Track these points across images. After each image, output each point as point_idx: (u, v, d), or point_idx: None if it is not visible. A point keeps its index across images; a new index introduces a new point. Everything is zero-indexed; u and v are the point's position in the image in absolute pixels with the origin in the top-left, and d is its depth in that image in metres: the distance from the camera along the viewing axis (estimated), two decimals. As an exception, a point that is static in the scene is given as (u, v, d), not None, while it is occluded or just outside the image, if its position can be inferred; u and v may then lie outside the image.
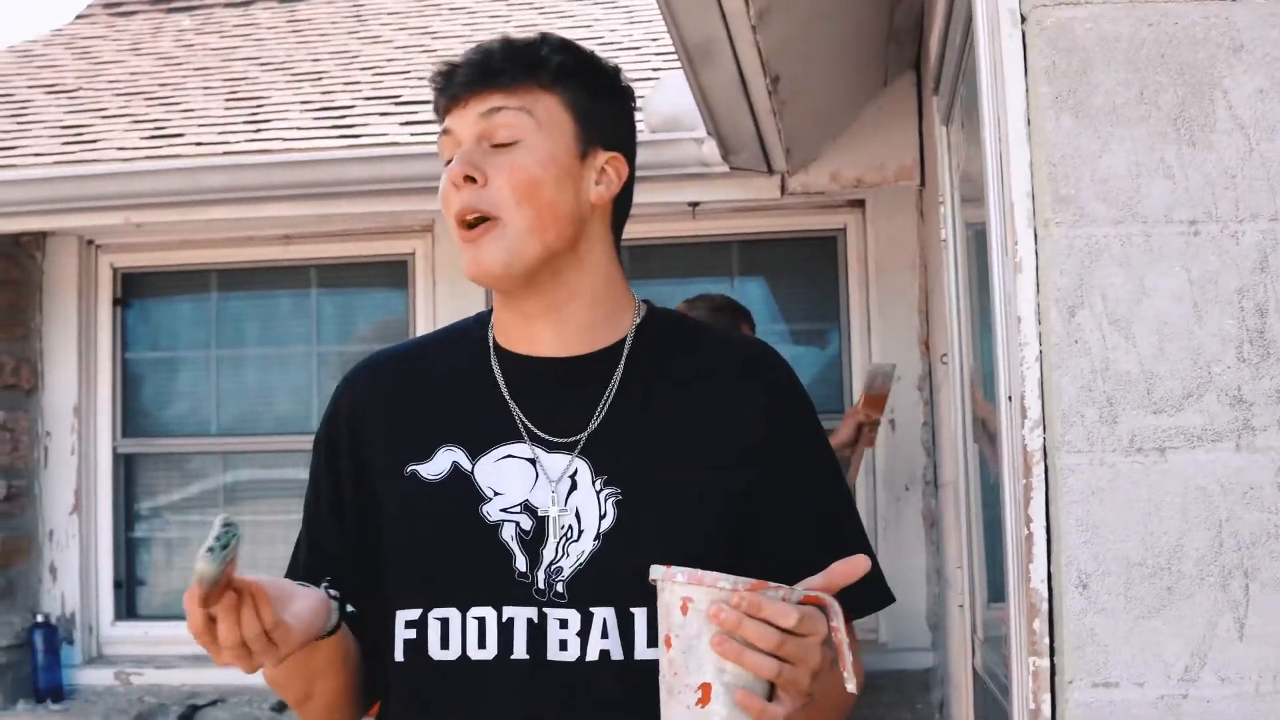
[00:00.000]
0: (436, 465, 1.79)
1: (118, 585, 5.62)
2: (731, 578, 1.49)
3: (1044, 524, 1.70)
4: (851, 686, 1.56)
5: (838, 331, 5.32)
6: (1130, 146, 1.71)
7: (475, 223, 1.76)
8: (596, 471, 1.76)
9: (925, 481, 4.99)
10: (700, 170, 4.55)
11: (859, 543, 1.78)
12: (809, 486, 1.80)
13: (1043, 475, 1.70)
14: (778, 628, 1.49)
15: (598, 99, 1.82)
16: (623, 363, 1.82)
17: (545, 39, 1.82)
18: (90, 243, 5.68)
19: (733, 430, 1.78)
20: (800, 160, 4.57)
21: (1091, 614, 1.67)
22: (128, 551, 5.69)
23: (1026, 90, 1.74)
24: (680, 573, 1.51)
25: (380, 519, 1.82)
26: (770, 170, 4.58)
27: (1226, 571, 1.68)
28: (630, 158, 1.84)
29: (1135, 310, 1.69)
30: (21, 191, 5.05)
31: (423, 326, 5.41)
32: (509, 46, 1.80)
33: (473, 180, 1.75)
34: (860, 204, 5.21)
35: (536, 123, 1.76)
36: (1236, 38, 1.71)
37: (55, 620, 5.42)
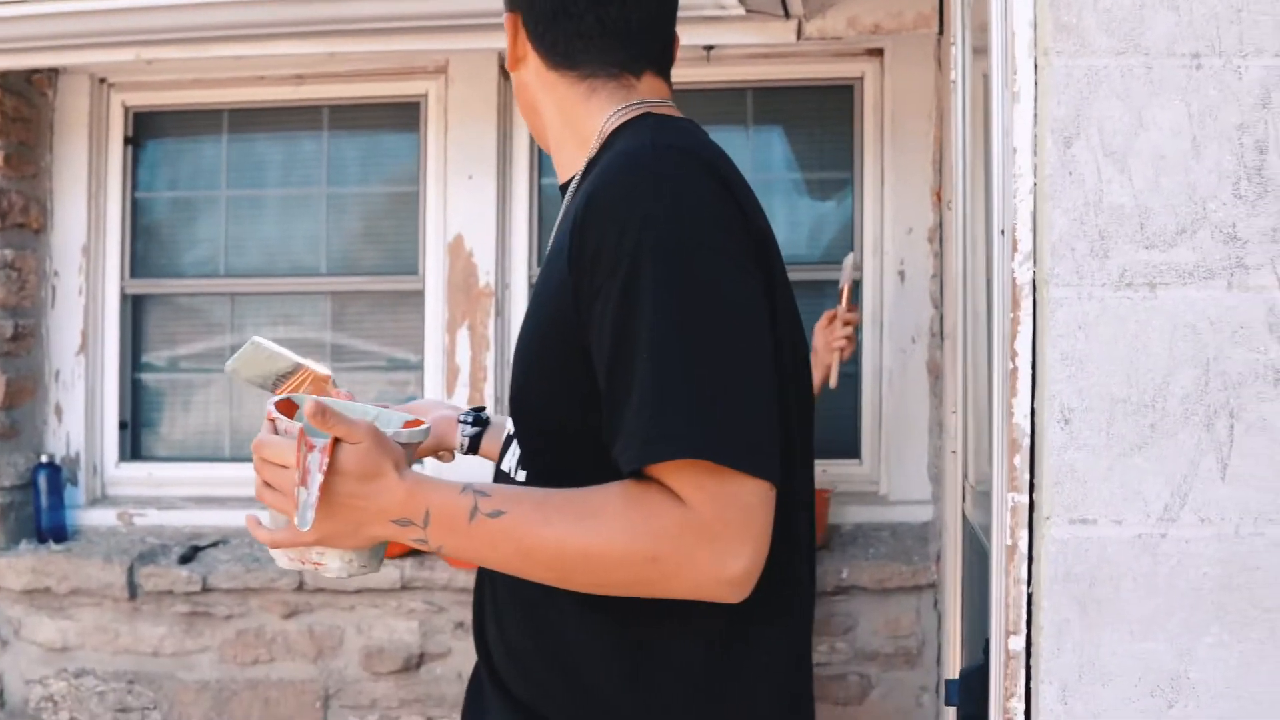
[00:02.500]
0: None
1: (123, 426, 5.63)
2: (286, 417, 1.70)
3: (1030, 359, 1.69)
4: (297, 521, 1.63)
5: (851, 182, 5.27)
6: (1134, -26, 1.67)
7: None
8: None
9: (932, 334, 4.98)
10: (716, 13, 4.48)
11: (640, 379, 1.60)
12: (604, 307, 1.65)
13: (1031, 310, 1.69)
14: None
15: None
16: (569, 192, 1.92)
17: None
18: (102, 81, 5.62)
19: (557, 251, 1.78)
20: (818, 4, 4.51)
21: (1072, 450, 1.66)
22: (133, 393, 5.69)
23: (1030, -85, 1.70)
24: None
25: None
26: (787, 14, 4.51)
27: (1212, 411, 1.66)
28: (533, 9, 1.93)
29: (1132, 143, 1.66)
30: (32, 26, 4.97)
31: (434, 170, 5.37)
32: None
33: None
34: (879, 53, 5.14)
35: None
36: None
37: (59, 461, 5.43)
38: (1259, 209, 1.65)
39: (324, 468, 1.62)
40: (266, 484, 1.70)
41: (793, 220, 5.39)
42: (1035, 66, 1.67)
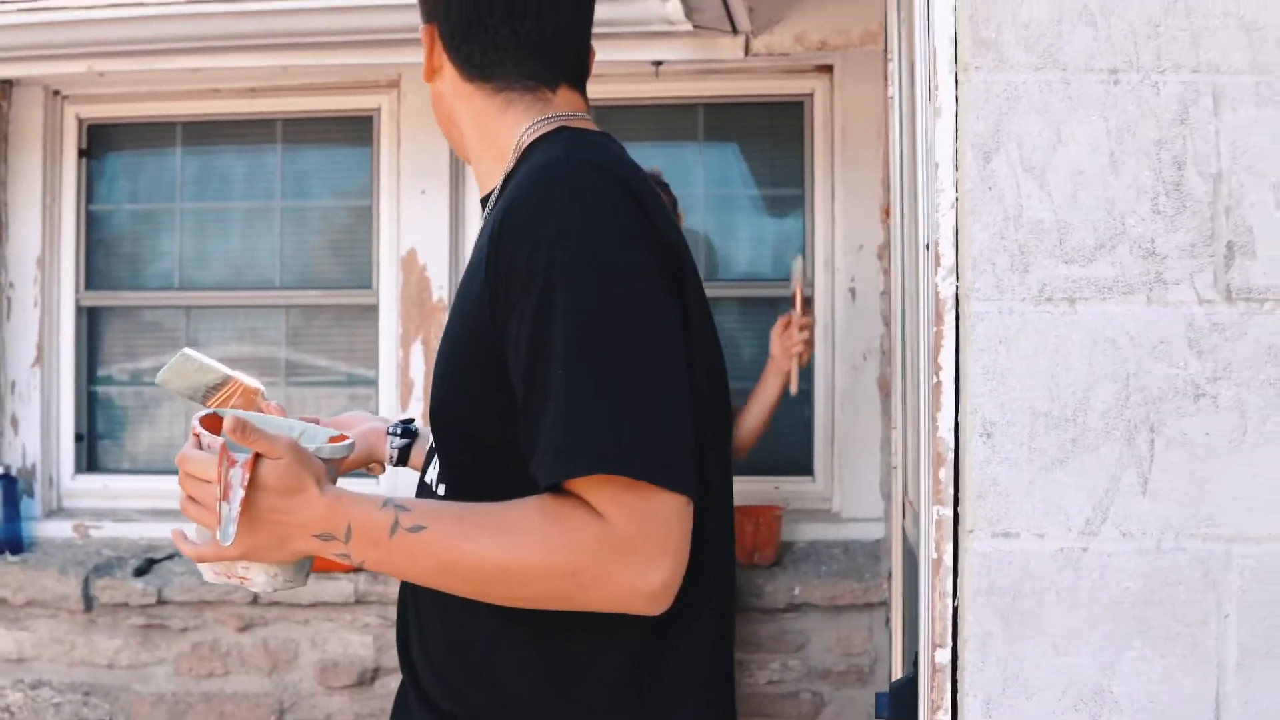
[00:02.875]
0: None
1: (79, 438, 5.61)
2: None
3: (953, 373, 1.69)
4: (219, 536, 1.64)
5: (803, 198, 5.29)
6: (1054, -9, 1.68)
7: None
8: None
9: (883, 351, 4.99)
10: (664, 28, 4.49)
11: (556, 394, 1.60)
12: (519, 322, 1.65)
13: (954, 324, 1.69)
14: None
15: None
16: (489, 205, 1.91)
17: None
18: (56, 93, 5.61)
19: (476, 264, 1.78)
20: (764, 20, 4.53)
21: (994, 463, 1.67)
22: (89, 405, 5.68)
23: (952, -68, 1.71)
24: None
25: None
26: (734, 30, 4.53)
27: (1132, 425, 1.67)
28: (450, 20, 1.93)
29: (1051, 158, 1.67)
30: (-17, 37, 4.99)
31: (387, 184, 5.37)
32: None
33: None
34: (828, 69, 5.15)
35: None
36: (1163, -120, 1.68)
37: (15, 473, 5.42)
38: (1177, 224, 1.67)
39: (245, 483, 1.62)
40: (190, 498, 1.71)
41: (744, 236, 5.40)
42: (956, 82, 1.68)
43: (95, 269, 5.67)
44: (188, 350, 2.02)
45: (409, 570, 1.68)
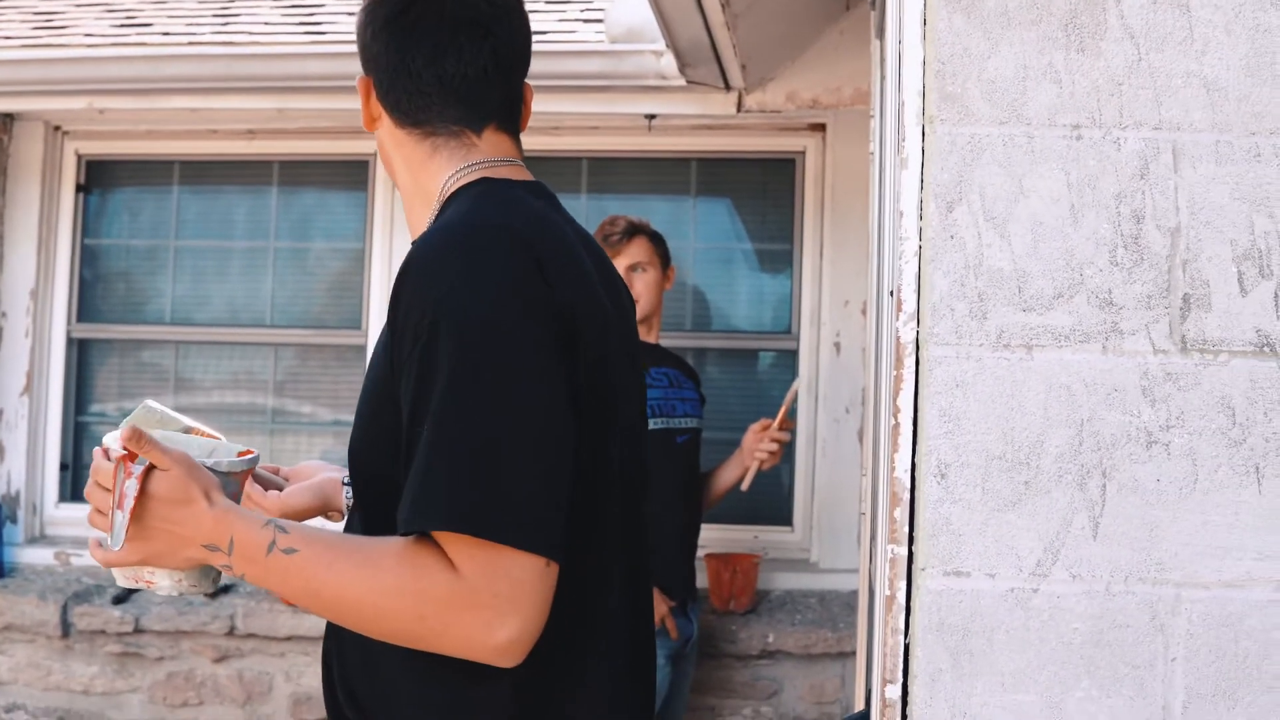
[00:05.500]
0: None
1: (64, 467, 5.65)
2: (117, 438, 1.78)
3: (911, 415, 1.73)
4: (111, 541, 1.75)
5: (792, 254, 5.34)
6: (1019, 49, 1.73)
7: None
8: None
9: (864, 404, 5.03)
10: (658, 83, 4.57)
11: (422, 448, 1.67)
12: (407, 376, 1.71)
13: (914, 368, 1.73)
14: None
15: (361, 37, 2.02)
16: None
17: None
18: (57, 129, 5.67)
19: (387, 326, 1.83)
20: (758, 78, 4.59)
21: (948, 503, 1.71)
22: (75, 435, 5.72)
23: (923, -11, 1.76)
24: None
25: None
26: (728, 86, 4.60)
27: (1085, 470, 1.71)
28: (378, 69, 1.98)
29: (1012, 209, 1.72)
30: (-15, 71, 5.06)
31: (380, 228, 5.43)
32: None
33: None
34: (821, 128, 5.22)
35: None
36: (1127, -55, 1.73)
37: (0, 499, 5.46)
38: (1135, 276, 1.71)
39: (136, 492, 1.72)
40: (96, 509, 1.79)
41: (735, 290, 5.46)
42: (922, 134, 1.73)
43: (88, 302, 5.72)
44: (149, 401, 2.08)
45: (282, 590, 1.74)
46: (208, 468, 1.80)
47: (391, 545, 1.67)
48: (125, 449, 1.74)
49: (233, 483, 1.85)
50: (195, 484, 1.75)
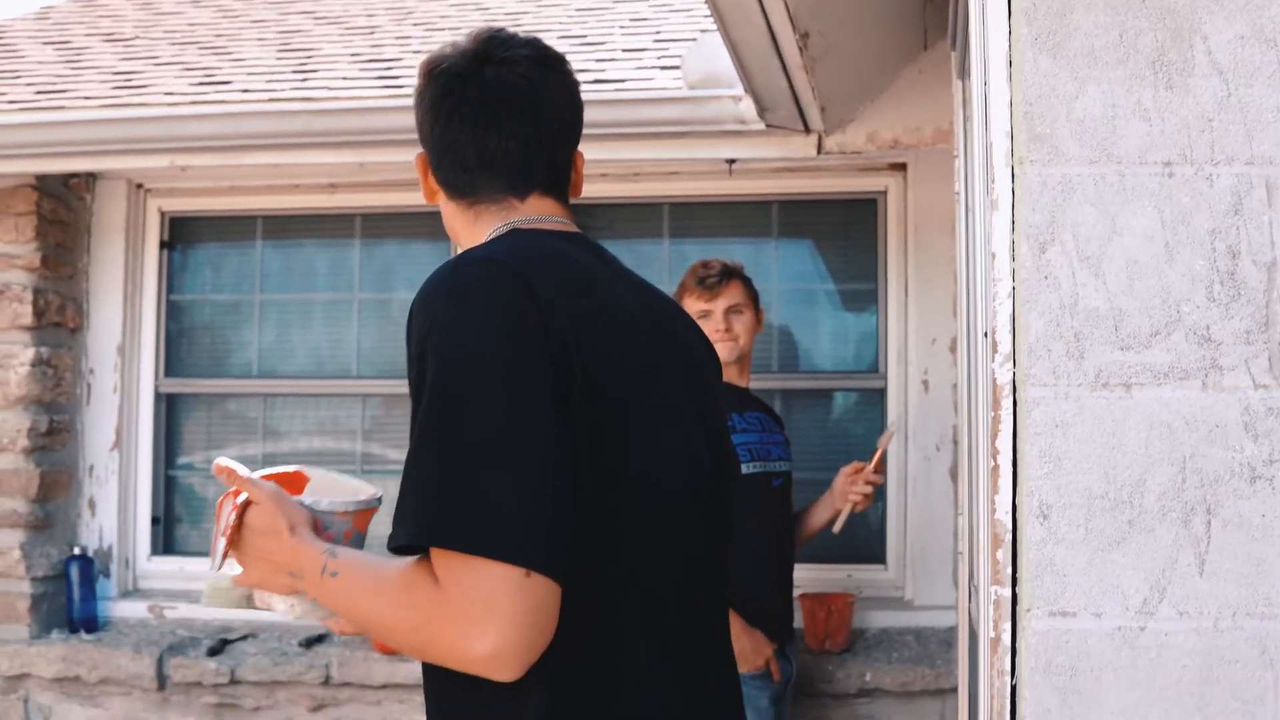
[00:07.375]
0: None
1: (155, 521, 5.71)
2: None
3: (1010, 456, 1.74)
4: (211, 564, 1.94)
5: (875, 293, 5.34)
6: (1107, 88, 1.74)
7: None
8: None
9: (955, 441, 5.02)
10: (737, 127, 4.57)
11: (407, 468, 1.75)
12: (413, 402, 1.79)
13: (1011, 409, 1.74)
14: None
15: (416, 116, 2.11)
16: None
17: None
18: (139, 186, 5.75)
19: None
20: (837, 120, 4.59)
21: (1051, 544, 1.71)
22: (166, 488, 5.78)
23: (1009, 32, 1.77)
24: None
25: None
26: (807, 129, 4.60)
27: (1189, 508, 1.71)
28: (430, 147, 2.08)
29: (1106, 248, 1.72)
30: (69, 133, 5.12)
31: (462, 277, 5.46)
32: None
33: None
34: (901, 167, 5.23)
35: None
36: (1215, -18, 1.73)
37: (92, 553, 5.51)
38: (1232, 311, 1.71)
39: (233, 521, 1.90)
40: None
41: (819, 331, 5.46)
42: (1012, 175, 1.74)
43: (175, 357, 5.79)
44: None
45: (335, 609, 1.86)
46: (304, 505, 1.92)
47: (396, 565, 1.76)
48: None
49: (339, 522, 1.96)
50: (282, 517, 1.89)
